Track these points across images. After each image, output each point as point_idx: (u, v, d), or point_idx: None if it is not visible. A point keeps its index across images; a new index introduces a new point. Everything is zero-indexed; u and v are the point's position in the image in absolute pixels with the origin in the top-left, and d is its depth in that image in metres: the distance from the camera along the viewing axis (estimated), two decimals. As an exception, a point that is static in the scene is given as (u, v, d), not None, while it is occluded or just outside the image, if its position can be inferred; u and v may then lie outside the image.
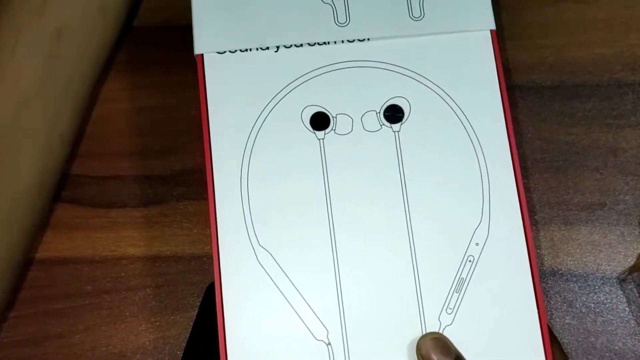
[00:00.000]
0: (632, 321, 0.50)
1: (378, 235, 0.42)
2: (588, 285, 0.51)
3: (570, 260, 0.51)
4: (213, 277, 0.50)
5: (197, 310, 0.49)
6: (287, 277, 0.41)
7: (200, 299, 0.49)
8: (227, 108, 0.43)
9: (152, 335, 0.49)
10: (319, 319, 0.41)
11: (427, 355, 0.39)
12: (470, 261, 0.42)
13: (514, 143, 0.44)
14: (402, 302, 0.41)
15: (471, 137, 0.44)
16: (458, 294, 0.41)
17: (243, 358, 0.40)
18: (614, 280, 0.51)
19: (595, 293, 0.50)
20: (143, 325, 0.49)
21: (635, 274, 0.51)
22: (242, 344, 0.40)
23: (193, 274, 0.51)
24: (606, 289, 0.51)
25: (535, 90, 0.55)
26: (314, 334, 0.41)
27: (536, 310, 0.42)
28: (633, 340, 0.50)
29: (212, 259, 0.51)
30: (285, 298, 0.41)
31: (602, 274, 0.51)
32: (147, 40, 0.56)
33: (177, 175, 0.53)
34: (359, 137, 0.43)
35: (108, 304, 0.50)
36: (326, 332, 0.41)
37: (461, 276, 0.42)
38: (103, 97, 0.54)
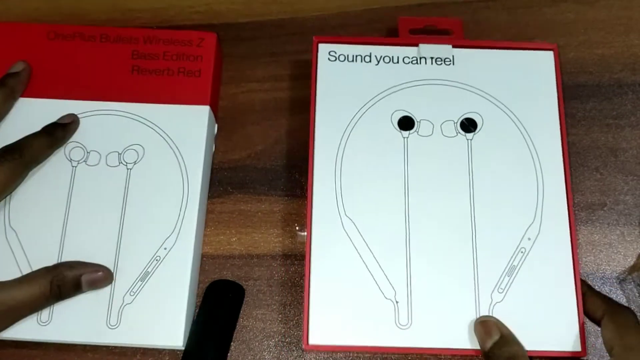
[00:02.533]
0: (632, 321, 0.50)
1: (445, 221, 0.49)
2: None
3: (571, 260, 0.51)
4: (213, 277, 0.50)
5: (197, 310, 0.49)
6: (366, 243, 0.48)
7: (200, 299, 0.49)
8: (331, 103, 0.52)
9: (152, 335, 0.49)
10: (389, 281, 0.47)
11: (478, 338, 0.46)
12: (522, 252, 0.48)
13: (567, 158, 0.51)
14: (460, 278, 0.48)
15: (531, 151, 0.51)
16: (509, 277, 0.48)
17: (323, 307, 0.47)
18: (614, 280, 0.51)
19: (595, 293, 0.50)
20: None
21: (635, 274, 0.51)
22: (323, 296, 0.47)
23: (193, 274, 0.51)
24: (606, 289, 0.51)
25: (536, 91, 0.55)
26: (384, 293, 0.47)
27: (576, 301, 0.47)
28: (633, 340, 0.50)
29: (214, 258, 0.51)
30: (363, 261, 0.48)
31: (602, 274, 0.51)
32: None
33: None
34: (437, 140, 0.51)
35: (108, 304, 0.50)
36: (394, 292, 0.47)
37: (513, 263, 0.48)
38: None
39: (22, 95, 0.52)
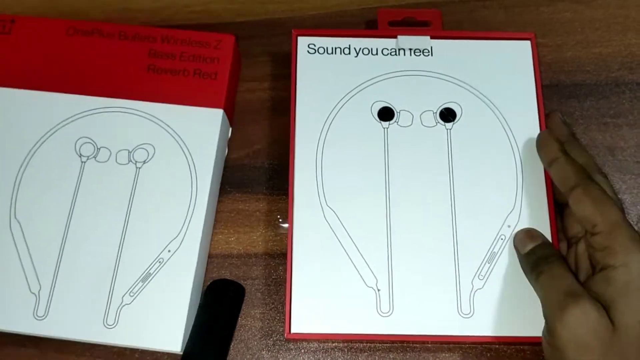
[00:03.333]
0: (630, 319, 0.50)
1: (426, 210, 0.49)
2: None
3: (569, 259, 0.51)
4: (212, 277, 0.50)
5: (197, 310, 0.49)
6: (347, 233, 0.48)
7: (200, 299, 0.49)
8: (311, 95, 0.52)
9: (150, 335, 0.49)
10: (370, 269, 0.48)
11: (519, 243, 0.47)
12: (502, 239, 0.49)
13: None
14: (441, 265, 0.48)
15: (510, 140, 0.51)
16: (489, 264, 0.48)
17: (305, 296, 0.47)
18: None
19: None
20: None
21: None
22: (305, 285, 0.47)
23: (191, 273, 0.51)
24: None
25: (533, 89, 0.55)
26: (365, 281, 0.47)
27: None
28: (631, 339, 0.50)
29: (212, 257, 0.51)
30: (344, 250, 0.48)
31: (600, 273, 0.51)
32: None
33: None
34: (417, 130, 0.52)
35: (106, 304, 0.50)
36: (376, 280, 0.47)
37: (493, 250, 0.48)
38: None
39: (39, 89, 0.52)
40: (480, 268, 0.48)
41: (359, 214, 0.49)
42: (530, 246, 0.47)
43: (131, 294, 0.47)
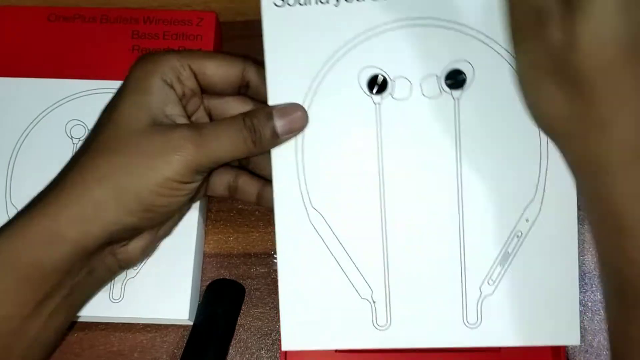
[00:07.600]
0: (629, 320, 0.50)
1: (428, 205, 0.42)
2: (585, 283, 0.51)
3: (568, 259, 0.51)
4: (211, 276, 0.50)
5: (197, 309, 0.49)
6: (337, 238, 0.42)
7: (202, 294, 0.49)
8: (284, 65, 0.42)
9: (149, 334, 0.49)
10: (364, 279, 0.42)
11: None
12: (517, 236, 0.42)
13: None
14: (445, 269, 0.42)
15: None
16: (502, 267, 0.42)
17: (294, 311, 0.42)
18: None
19: (592, 292, 0.50)
20: (140, 324, 0.49)
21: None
22: (293, 298, 0.42)
23: (191, 272, 0.51)
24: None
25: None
26: (359, 292, 0.42)
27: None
28: (630, 339, 0.50)
29: (211, 257, 0.51)
30: (334, 257, 0.42)
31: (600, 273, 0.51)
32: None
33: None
34: (416, 104, 0.42)
35: (106, 303, 0.50)
36: (371, 291, 0.42)
37: (507, 250, 0.42)
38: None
39: (25, 76, 0.52)
40: (491, 272, 0.42)
41: (349, 215, 0.42)
42: None
43: (135, 268, 0.48)
